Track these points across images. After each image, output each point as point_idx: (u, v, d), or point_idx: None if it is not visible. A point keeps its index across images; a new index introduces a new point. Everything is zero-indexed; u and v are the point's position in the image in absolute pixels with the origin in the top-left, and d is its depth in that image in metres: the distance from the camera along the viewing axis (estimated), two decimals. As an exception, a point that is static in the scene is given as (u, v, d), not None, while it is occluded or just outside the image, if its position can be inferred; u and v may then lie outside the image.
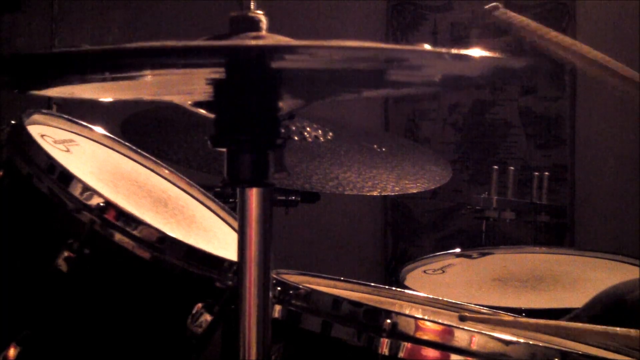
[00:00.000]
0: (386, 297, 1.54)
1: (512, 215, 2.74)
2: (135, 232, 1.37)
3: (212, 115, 0.91)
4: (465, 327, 1.14)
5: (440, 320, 1.18)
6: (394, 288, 1.60)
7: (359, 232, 3.73)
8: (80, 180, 1.39)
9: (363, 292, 1.52)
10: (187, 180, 1.78)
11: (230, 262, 1.43)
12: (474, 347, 1.13)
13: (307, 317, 1.25)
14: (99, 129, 1.73)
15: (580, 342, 1.32)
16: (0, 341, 1.35)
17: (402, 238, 3.69)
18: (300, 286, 1.28)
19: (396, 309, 1.30)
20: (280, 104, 0.92)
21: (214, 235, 1.64)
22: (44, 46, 3.21)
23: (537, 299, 2.02)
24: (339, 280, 1.53)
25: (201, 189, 1.78)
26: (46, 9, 3.09)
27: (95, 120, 1.74)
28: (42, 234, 1.43)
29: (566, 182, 3.51)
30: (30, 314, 1.38)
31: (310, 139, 1.98)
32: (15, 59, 0.81)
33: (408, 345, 1.15)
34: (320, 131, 2.02)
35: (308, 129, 2.00)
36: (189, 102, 0.93)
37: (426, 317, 1.20)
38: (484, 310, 1.53)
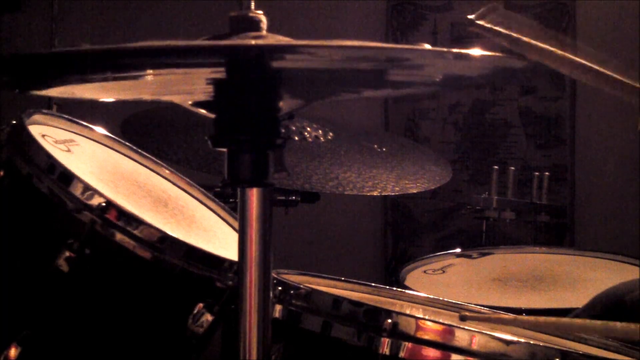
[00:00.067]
0: (386, 297, 1.54)
1: (512, 215, 2.74)
2: (136, 232, 1.37)
3: (212, 115, 0.91)
4: (466, 327, 1.14)
5: (440, 320, 1.18)
6: (394, 288, 1.60)
7: (359, 232, 3.72)
8: (81, 180, 1.39)
9: (363, 292, 1.52)
10: (187, 180, 1.77)
11: (231, 262, 1.43)
12: (474, 346, 1.12)
13: (308, 317, 1.25)
14: (99, 129, 1.73)
15: (580, 339, 1.32)
16: (0, 341, 1.35)
17: (402, 238, 3.69)
18: (301, 286, 1.28)
19: (396, 309, 1.30)
20: (280, 104, 0.92)
21: (214, 235, 1.64)
22: (44, 46, 3.20)
23: (537, 299, 2.02)
24: (339, 280, 1.53)
25: (201, 189, 1.78)
26: (46, 9, 3.09)
27: (96, 120, 1.74)
28: (42, 234, 1.42)
29: (566, 182, 3.51)
30: (31, 314, 1.38)
31: (310, 139, 1.98)
32: (15, 59, 0.81)
33: (409, 345, 1.15)
34: (320, 131, 2.02)
35: (308, 129, 2.00)
36: (189, 102, 0.93)
37: (427, 317, 1.20)
38: (484, 310, 1.53)
